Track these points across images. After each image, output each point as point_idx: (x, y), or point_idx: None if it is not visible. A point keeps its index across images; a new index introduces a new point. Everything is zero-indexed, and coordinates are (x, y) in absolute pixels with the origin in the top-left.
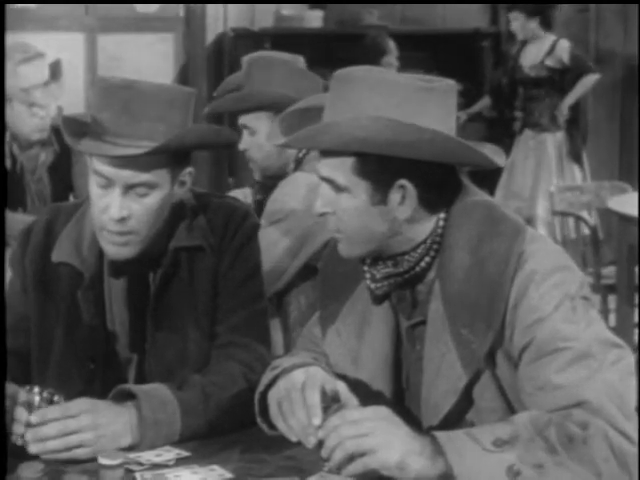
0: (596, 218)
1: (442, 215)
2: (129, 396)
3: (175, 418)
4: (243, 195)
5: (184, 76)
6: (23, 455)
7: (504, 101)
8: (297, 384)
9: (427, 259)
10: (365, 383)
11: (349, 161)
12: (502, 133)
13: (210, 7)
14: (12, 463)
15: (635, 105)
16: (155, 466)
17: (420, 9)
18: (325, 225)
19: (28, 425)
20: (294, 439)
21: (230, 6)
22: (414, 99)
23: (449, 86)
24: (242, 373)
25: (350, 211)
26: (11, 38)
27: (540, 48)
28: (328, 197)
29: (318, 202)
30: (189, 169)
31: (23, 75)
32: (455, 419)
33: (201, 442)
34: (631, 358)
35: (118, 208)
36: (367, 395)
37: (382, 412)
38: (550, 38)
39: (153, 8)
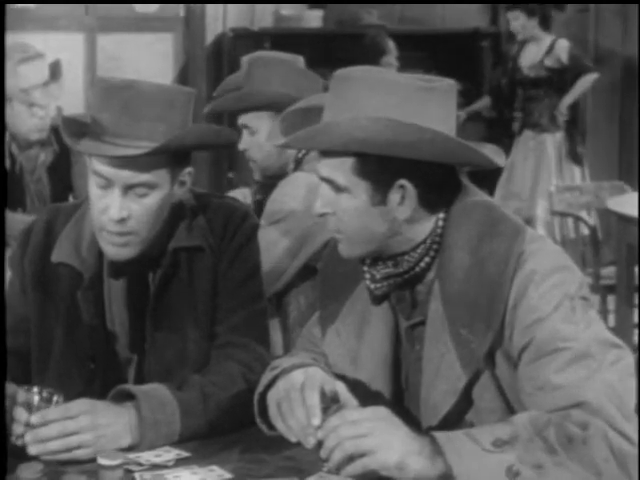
0: (595, 218)
1: (442, 215)
2: (128, 396)
3: (174, 418)
4: (243, 195)
5: (183, 76)
6: (23, 455)
7: (503, 101)
8: (296, 384)
9: (427, 259)
10: (364, 383)
11: (349, 161)
12: (502, 133)
13: (210, 7)
14: (12, 463)
15: (634, 105)
16: (154, 466)
17: (419, 9)
18: (325, 225)
19: (27, 425)
20: (293, 439)
21: (230, 6)
22: (414, 99)
23: (449, 86)
24: (241, 373)
25: (350, 211)
26: (11, 38)
27: (539, 48)
28: (328, 197)
29: (318, 202)
30: (189, 169)
31: (23, 75)
32: (454, 419)
33: (200, 442)
34: (630, 358)
35: (118, 209)
36: (366, 395)
37: (381, 412)
38: (549, 38)
39: (153, 8)
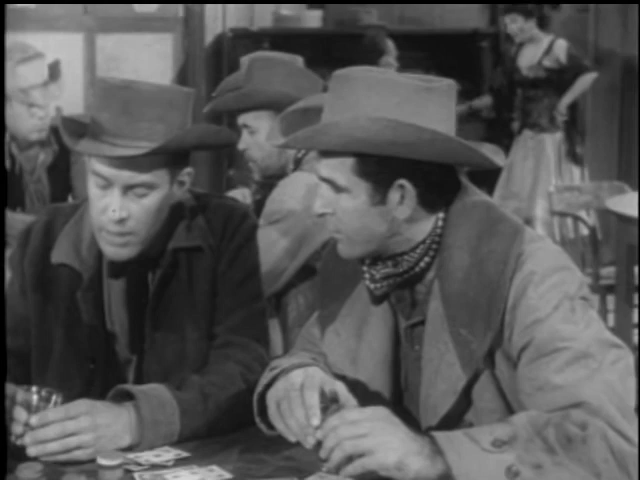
0: (595, 218)
1: (441, 215)
2: (128, 396)
3: (174, 418)
4: (242, 195)
5: (183, 76)
6: (22, 455)
7: (503, 102)
8: (296, 384)
9: (426, 259)
10: (364, 383)
11: (349, 161)
12: (501, 133)
13: (209, 7)
14: (12, 463)
15: (634, 105)
16: (154, 466)
17: (419, 9)
18: (324, 225)
19: (27, 425)
20: (293, 439)
21: (229, 6)
22: (414, 99)
23: (449, 86)
24: (241, 373)
25: (350, 211)
26: (11, 38)
27: (537, 49)
28: (327, 197)
29: (317, 202)
30: (188, 169)
31: (22, 75)
32: (454, 419)
33: (200, 442)
34: (630, 358)
35: (117, 209)
36: (366, 395)
37: (381, 412)
38: (547, 38)
39: (152, 8)
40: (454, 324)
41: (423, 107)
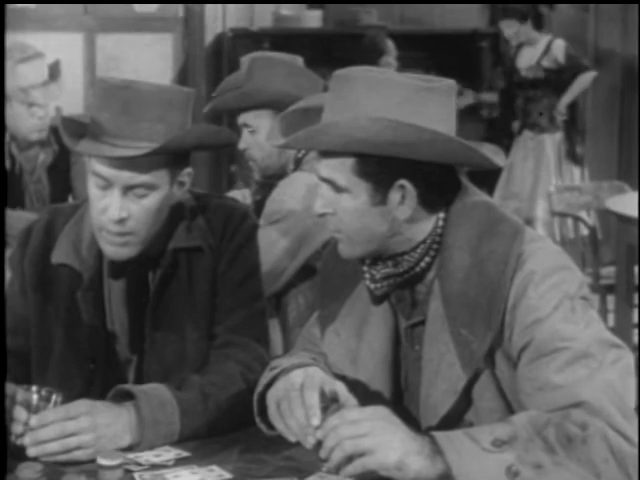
0: (595, 218)
1: (442, 215)
2: (128, 396)
3: (174, 418)
4: (242, 196)
5: (183, 76)
6: (22, 455)
7: (503, 102)
8: (296, 384)
9: (427, 259)
10: (364, 383)
11: (349, 161)
12: (501, 134)
13: (209, 7)
14: (12, 463)
15: (634, 105)
16: (154, 466)
17: (419, 9)
18: (324, 225)
19: (26, 425)
20: (293, 439)
21: (229, 6)
22: (414, 99)
23: (449, 86)
24: (241, 373)
25: (350, 211)
26: (11, 38)
27: (535, 50)
28: (328, 197)
29: (318, 202)
30: (188, 170)
31: (22, 75)
32: (454, 419)
33: (200, 442)
34: (630, 358)
35: (117, 209)
36: (366, 395)
37: (381, 412)
38: (545, 39)
39: (152, 8)
40: (454, 324)
41: (423, 107)
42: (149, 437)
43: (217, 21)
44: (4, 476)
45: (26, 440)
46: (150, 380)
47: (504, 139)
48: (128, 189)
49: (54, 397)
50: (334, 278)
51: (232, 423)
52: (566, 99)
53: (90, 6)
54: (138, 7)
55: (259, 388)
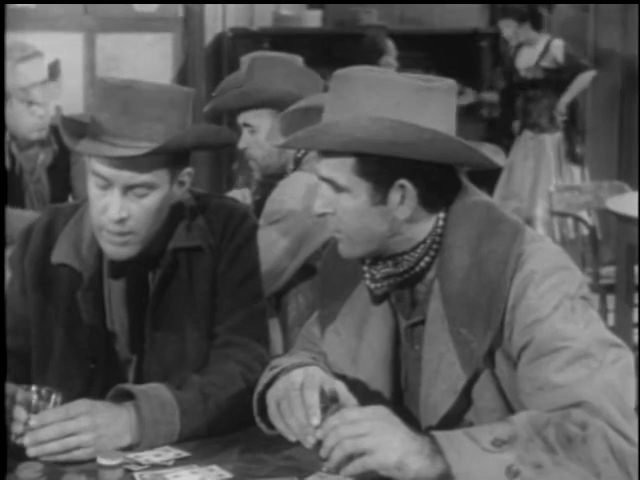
0: (595, 218)
1: (442, 215)
2: (128, 396)
3: (174, 418)
4: (242, 196)
5: (183, 76)
6: (22, 455)
7: (505, 101)
8: (296, 384)
9: (427, 259)
10: (364, 383)
11: (349, 161)
12: (501, 133)
13: (209, 7)
14: (12, 463)
15: (634, 105)
16: (154, 466)
17: (419, 9)
18: (324, 225)
19: (26, 425)
20: (293, 439)
21: (229, 6)
22: (414, 99)
23: (449, 86)
24: (241, 373)
25: (350, 211)
26: (11, 38)
27: (535, 50)
28: (328, 197)
29: (318, 202)
30: (188, 169)
31: (21, 73)
32: (454, 419)
33: (200, 442)
34: (630, 358)
35: (117, 209)
36: (366, 395)
37: (381, 412)
38: (544, 39)
39: (152, 8)
40: (454, 324)
41: (423, 107)
42: (149, 437)
43: (217, 21)
44: (4, 476)
45: (26, 440)
46: (150, 380)
47: (504, 139)
48: (128, 189)
49: (54, 397)
50: (334, 278)
51: (232, 423)
52: (565, 99)
53: (90, 6)
54: (138, 7)
55: (259, 388)
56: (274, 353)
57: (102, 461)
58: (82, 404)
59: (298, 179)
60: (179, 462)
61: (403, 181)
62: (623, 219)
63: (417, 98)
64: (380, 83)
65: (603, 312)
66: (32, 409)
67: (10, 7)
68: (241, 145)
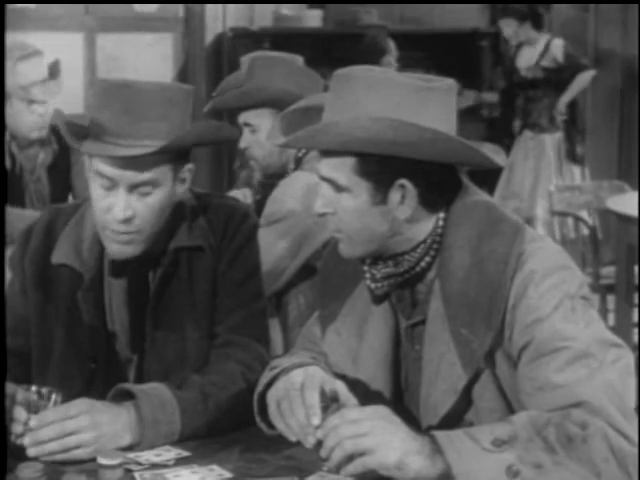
0: (595, 218)
1: (442, 215)
2: (128, 396)
3: (174, 418)
4: (243, 195)
5: (183, 76)
6: (22, 455)
7: (505, 101)
8: (296, 384)
9: (427, 259)
10: (364, 383)
11: (349, 161)
12: (502, 133)
13: (209, 7)
14: (12, 463)
15: (634, 105)
16: (154, 466)
17: (419, 9)
18: (324, 225)
19: (26, 425)
20: (293, 439)
21: (229, 6)
22: (414, 99)
23: (449, 85)
24: (241, 373)
25: (351, 211)
26: (11, 38)
27: (535, 50)
28: (328, 197)
29: (318, 202)
30: (189, 166)
31: (21, 72)
32: (454, 419)
33: (200, 442)
34: (630, 358)
35: (122, 209)
36: (366, 395)
37: (381, 412)
38: (544, 39)
39: (152, 8)
40: (455, 324)
41: (424, 107)
42: (149, 436)
43: (217, 21)
44: (4, 476)
45: (26, 440)
46: (151, 379)
47: (505, 139)
48: (133, 188)
49: (54, 397)
50: (334, 278)
51: (232, 423)
52: (565, 98)
53: (90, 6)
54: (138, 7)
55: (259, 388)
56: (274, 353)
57: (102, 461)
58: (82, 403)
59: (299, 179)
60: (179, 462)
61: (403, 181)
62: (623, 219)
63: (417, 98)
64: (380, 83)
65: (603, 312)
66: (32, 409)
67: (10, 7)
68: (242, 145)
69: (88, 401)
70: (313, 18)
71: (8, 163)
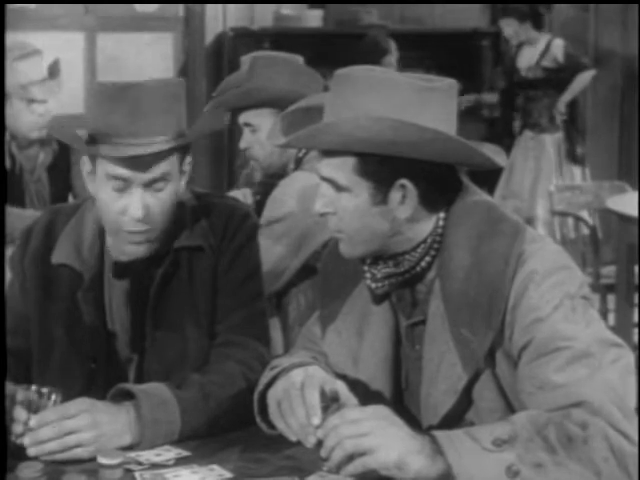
0: (595, 218)
1: (442, 214)
2: (128, 395)
3: (174, 417)
4: (243, 195)
5: (183, 76)
6: (23, 454)
7: (505, 101)
8: (296, 383)
9: (427, 258)
10: (364, 383)
11: (350, 161)
12: (502, 133)
13: (209, 7)
14: (12, 462)
15: (635, 105)
16: (154, 465)
17: (419, 9)
18: (324, 225)
19: (26, 424)
20: (293, 438)
21: (229, 6)
22: (415, 99)
23: (450, 85)
24: (241, 372)
25: (351, 211)
26: (11, 37)
27: (535, 50)
28: (329, 197)
29: (318, 202)
30: (189, 158)
31: (21, 71)
32: (455, 419)
33: (201, 441)
34: (631, 357)
35: (140, 207)
36: (366, 394)
37: (382, 411)
38: (544, 39)
39: (152, 8)
40: (455, 323)
41: (424, 107)
42: (149, 436)
43: (217, 21)
44: (4, 475)
45: (26, 440)
46: (151, 379)
47: (505, 139)
48: (148, 185)
49: (54, 396)
50: (334, 277)
51: (232, 422)
52: (566, 98)
53: (91, 6)
54: (139, 7)
55: (259, 387)
56: (274, 353)
57: (102, 460)
58: (81, 402)
59: (299, 179)
60: (179, 461)
61: (404, 181)
62: (624, 219)
63: (418, 98)
64: (381, 83)
65: (603, 312)
66: (32, 409)
67: (10, 7)
68: (242, 145)
69: (88, 400)
70: (313, 18)
71: (8, 163)
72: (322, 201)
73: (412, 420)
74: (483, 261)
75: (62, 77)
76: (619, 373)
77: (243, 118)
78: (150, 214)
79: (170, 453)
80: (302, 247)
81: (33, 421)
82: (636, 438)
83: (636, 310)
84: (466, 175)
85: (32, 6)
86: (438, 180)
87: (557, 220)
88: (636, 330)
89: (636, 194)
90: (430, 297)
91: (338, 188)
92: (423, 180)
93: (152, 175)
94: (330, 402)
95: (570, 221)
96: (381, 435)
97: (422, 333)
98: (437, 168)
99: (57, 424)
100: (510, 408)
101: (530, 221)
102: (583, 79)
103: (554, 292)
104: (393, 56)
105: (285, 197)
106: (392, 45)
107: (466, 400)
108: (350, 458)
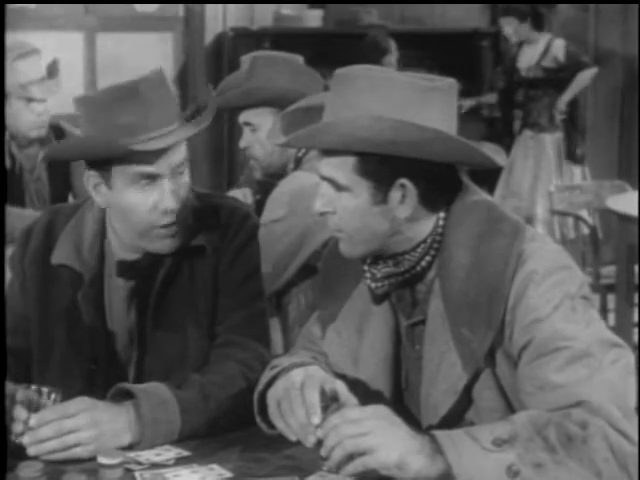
0: (595, 218)
1: (442, 214)
2: (128, 395)
3: (174, 417)
4: (243, 195)
5: (183, 76)
6: (23, 454)
7: (504, 101)
8: (296, 383)
9: (427, 258)
10: (364, 382)
11: (350, 160)
12: (502, 133)
13: (209, 7)
14: (12, 462)
15: (635, 105)
16: (154, 465)
17: (419, 9)
18: (324, 224)
19: (26, 424)
20: (293, 438)
21: (229, 6)
22: (415, 98)
23: (450, 85)
24: (241, 372)
25: (351, 210)
26: (11, 37)
27: (535, 50)
28: (329, 196)
29: (318, 201)
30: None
31: (21, 71)
32: (455, 419)
33: (200, 441)
34: (631, 357)
35: (171, 198)
36: (366, 394)
37: (382, 411)
38: (545, 38)
39: (152, 8)
40: (455, 323)
41: (424, 106)
42: (149, 436)
43: (217, 21)
44: (4, 475)
45: (26, 439)
46: (151, 379)
47: (505, 138)
48: (175, 171)
49: (54, 396)
50: (334, 277)
51: (232, 422)
52: (566, 97)
53: (90, 6)
54: (139, 7)
55: (259, 387)
56: (274, 353)
57: (102, 460)
58: (81, 402)
59: (298, 178)
60: (179, 461)
61: (404, 180)
62: (624, 218)
63: (418, 97)
64: (381, 82)
65: (603, 312)
66: (32, 408)
67: (10, 7)
68: (242, 144)
69: (87, 400)
70: (313, 18)
71: (8, 162)
72: (322, 200)
73: (412, 420)
74: (483, 261)
75: (62, 77)
76: (619, 373)
77: (243, 117)
78: (179, 201)
79: (170, 453)
80: (302, 247)
81: (33, 420)
82: (636, 438)
83: (636, 310)
84: (466, 175)
85: (32, 6)
86: (438, 180)
87: (557, 220)
88: (636, 330)
89: (636, 194)
90: (430, 297)
91: (338, 187)
92: (423, 180)
93: (178, 159)
94: (330, 402)
95: (570, 221)
96: (381, 435)
97: (422, 333)
98: (437, 168)
99: (57, 423)
100: (510, 408)
101: (530, 221)
102: (584, 78)
103: (554, 292)
104: (393, 56)
105: (285, 197)
106: (392, 45)
107: (466, 400)
108: (350, 458)
